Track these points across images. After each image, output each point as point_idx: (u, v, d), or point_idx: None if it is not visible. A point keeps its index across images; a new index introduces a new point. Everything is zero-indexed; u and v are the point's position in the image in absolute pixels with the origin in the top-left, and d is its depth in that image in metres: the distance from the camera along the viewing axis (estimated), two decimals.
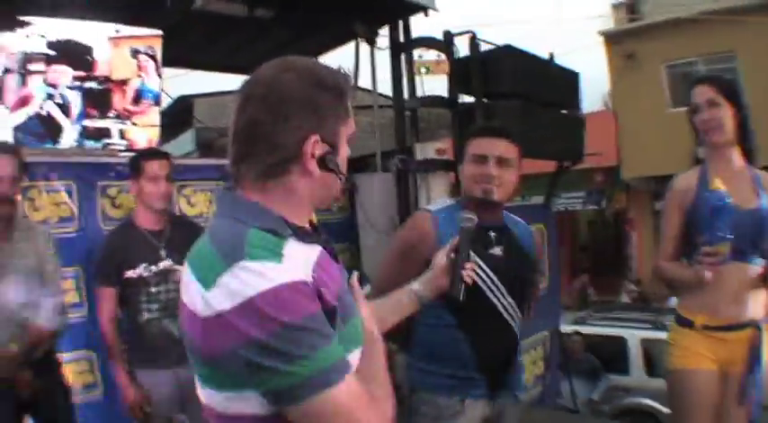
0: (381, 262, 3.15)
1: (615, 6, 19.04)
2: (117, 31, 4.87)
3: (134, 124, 4.94)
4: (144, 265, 3.70)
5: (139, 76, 4.97)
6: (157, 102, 5.13)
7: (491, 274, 2.83)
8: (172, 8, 5.49)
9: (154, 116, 5.09)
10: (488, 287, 2.82)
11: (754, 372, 3.01)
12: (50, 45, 4.56)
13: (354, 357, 1.48)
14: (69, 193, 4.42)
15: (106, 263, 3.72)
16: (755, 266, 3.01)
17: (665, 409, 7.31)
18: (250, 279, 1.29)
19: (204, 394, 1.45)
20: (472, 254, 2.52)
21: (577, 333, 10.17)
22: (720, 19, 15.82)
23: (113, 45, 4.86)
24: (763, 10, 15.67)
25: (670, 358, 3.22)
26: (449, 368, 2.83)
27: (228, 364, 1.31)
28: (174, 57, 6.23)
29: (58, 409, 3.59)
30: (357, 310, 1.56)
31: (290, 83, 1.48)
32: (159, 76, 5.12)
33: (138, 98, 4.97)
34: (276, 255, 1.36)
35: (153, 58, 5.04)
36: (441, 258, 2.31)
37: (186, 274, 1.42)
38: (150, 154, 3.95)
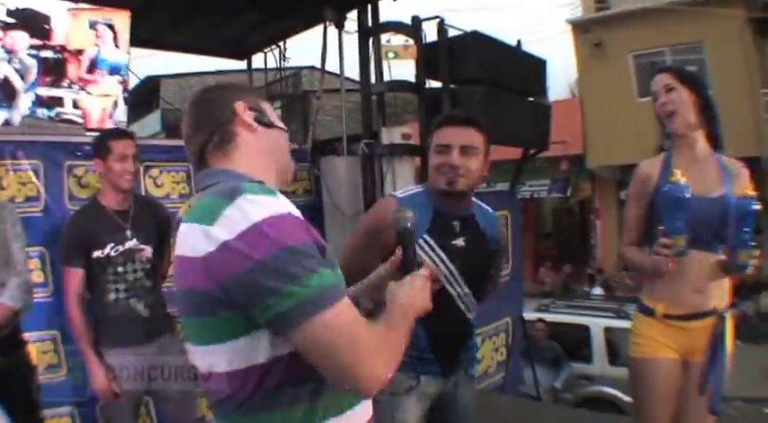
0: (346, 244, 3.22)
1: None
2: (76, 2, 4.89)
3: (88, 93, 4.93)
4: (111, 245, 3.71)
5: (96, 45, 4.97)
6: (114, 72, 5.09)
7: (451, 266, 2.92)
8: None
9: (109, 86, 5.05)
10: (447, 278, 2.89)
11: (716, 361, 3.04)
12: (9, 13, 4.56)
13: None
14: (36, 173, 4.43)
15: (73, 243, 3.71)
16: (718, 255, 3.03)
17: (627, 398, 7.47)
18: (252, 208, 1.43)
19: (209, 359, 1.57)
20: (431, 248, 2.63)
21: (541, 320, 10.27)
22: (689, 9, 16.02)
23: (72, 15, 4.86)
24: (731, 1, 15.92)
25: (632, 346, 3.26)
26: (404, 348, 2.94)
27: (233, 294, 1.43)
28: (143, 37, 6.23)
29: (24, 388, 3.60)
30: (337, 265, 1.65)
31: (207, 89, 1.87)
32: (118, 46, 5.09)
33: (92, 67, 4.95)
34: (272, 193, 1.54)
35: (111, 28, 5.03)
36: (381, 270, 2.23)
37: (184, 228, 1.56)
38: (117, 133, 3.96)
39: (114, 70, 5.07)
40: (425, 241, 2.87)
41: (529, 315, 9.59)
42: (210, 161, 1.73)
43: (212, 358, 1.55)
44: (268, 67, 8.93)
